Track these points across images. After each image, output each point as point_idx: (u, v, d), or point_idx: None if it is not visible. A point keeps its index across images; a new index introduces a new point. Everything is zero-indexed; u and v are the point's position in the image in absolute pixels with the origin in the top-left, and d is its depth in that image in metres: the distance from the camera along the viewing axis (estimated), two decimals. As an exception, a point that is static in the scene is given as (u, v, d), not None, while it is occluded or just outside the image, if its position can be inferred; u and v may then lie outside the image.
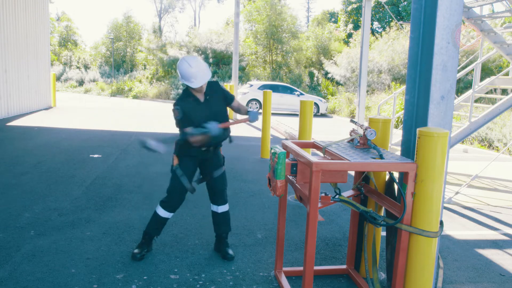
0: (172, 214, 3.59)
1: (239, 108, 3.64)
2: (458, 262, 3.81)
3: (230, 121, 3.49)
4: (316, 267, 3.38)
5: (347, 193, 3.14)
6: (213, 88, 3.53)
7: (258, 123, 10.12)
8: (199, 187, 3.67)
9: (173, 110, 3.38)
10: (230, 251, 3.63)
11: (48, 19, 15.99)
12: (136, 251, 3.53)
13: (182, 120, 3.36)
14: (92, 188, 5.50)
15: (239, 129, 12.34)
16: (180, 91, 24.69)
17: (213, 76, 27.36)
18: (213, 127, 3.31)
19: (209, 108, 3.46)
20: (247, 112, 3.59)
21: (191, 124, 3.34)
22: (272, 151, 2.91)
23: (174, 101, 3.56)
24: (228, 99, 3.59)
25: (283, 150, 2.83)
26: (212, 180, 3.57)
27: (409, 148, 2.89)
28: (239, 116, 12.64)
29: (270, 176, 2.98)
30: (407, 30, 20.66)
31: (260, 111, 18.73)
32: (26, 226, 4.12)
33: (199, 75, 3.32)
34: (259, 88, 19.17)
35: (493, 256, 3.99)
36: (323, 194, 2.79)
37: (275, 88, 19.26)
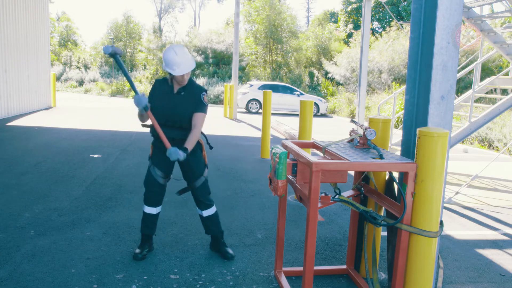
0: (154, 208, 3.54)
1: (194, 124, 3.35)
2: (458, 262, 3.81)
3: (157, 125, 3.33)
4: (316, 267, 3.38)
5: (347, 193, 3.15)
6: (195, 91, 3.43)
7: (258, 123, 10.13)
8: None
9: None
10: (230, 251, 3.63)
11: (48, 19, 15.99)
12: (137, 251, 3.53)
13: (149, 96, 3.44)
14: (92, 188, 5.50)
15: (239, 129, 12.34)
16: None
17: (213, 76, 27.37)
18: (141, 99, 3.21)
19: (174, 101, 3.40)
20: (184, 138, 3.36)
21: (152, 105, 3.36)
22: (273, 151, 2.91)
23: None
24: (196, 107, 3.38)
25: (284, 150, 2.83)
26: (193, 189, 3.56)
27: (409, 148, 2.89)
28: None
29: (271, 176, 2.98)
30: (407, 30, 20.67)
31: (260, 111, 18.73)
32: (26, 226, 4.12)
33: (183, 64, 3.29)
34: (259, 88, 19.17)
35: (493, 256, 3.99)
36: (323, 194, 2.79)
37: (275, 88, 19.26)
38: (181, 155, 3.17)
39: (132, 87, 3.35)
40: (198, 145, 3.52)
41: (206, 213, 3.62)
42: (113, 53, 3.22)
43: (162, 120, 3.36)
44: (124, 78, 29.26)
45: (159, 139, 3.38)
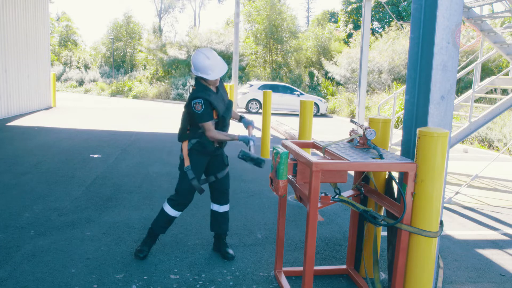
0: (180, 213, 3.55)
1: (234, 112, 3.73)
2: (458, 262, 3.81)
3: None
4: (316, 267, 3.39)
5: (347, 193, 3.15)
6: (222, 86, 3.58)
7: (258, 123, 10.12)
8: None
9: (195, 104, 3.23)
10: (230, 251, 3.63)
11: (48, 19, 15.99)
12: (139, 248, 3.52)
13: (203, 113, 3.25)
14: (92, 188, 5.50)
15: (239, 129, 12.34)
16: (180, 91, 24.68)
17: (213, 76, 27.30)
18: (249, 137, 3.40)
19: (222, 98, 3.46)
20: (240, 118, 3.72)
21: (215, 116, 3.34)
22: (275, 151, 2.91)
23: (180, 102, 3.57)
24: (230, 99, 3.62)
25: (286, 150, 2.83)
26: (217, 180, 3.56)
27: (409, 148, 2.89)
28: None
29: (272, 176, 2.98)
30: (407, 30, 20.67)
31: (260, 111, 18.73)
32: (26, 226, 4.12)
33: (217, 67, 3.30)
34: (259, 88, 19.17)
35: (493, 256, 3.99)
36: (323, 194, 2.79)
37: (275, 88, 19.26)
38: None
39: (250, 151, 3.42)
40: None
41: (224, 208, 3.63)
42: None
43: (227, 120, 3.49)
44: (124, 78, 29.28)
45: (200, 145, 3.41)
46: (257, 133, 11.24)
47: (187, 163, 3.41)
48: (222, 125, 3.44)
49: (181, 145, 3.48)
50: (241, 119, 3.70)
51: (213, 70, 3.28)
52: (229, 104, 3.53)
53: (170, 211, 3.49)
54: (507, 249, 4.19)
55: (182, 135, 3.46)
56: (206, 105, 3.25)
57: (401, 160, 2.67)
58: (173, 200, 3.49)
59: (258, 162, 3.25)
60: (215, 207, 3.64)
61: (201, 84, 3.38)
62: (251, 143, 3.37)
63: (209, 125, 3.30)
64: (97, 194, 5.25)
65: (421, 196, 2.53)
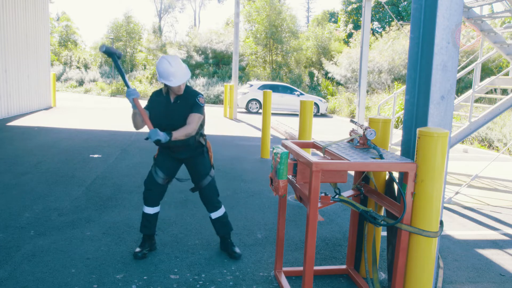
0: (152, 208, 3.56)
1: (188, 122, 3.36)
2: (458, 262, 3.81)
3: (143, 112, 3.35)
4: (316, 267, 3.39)
5: (347, 193, 3.14)
6: (189, 97, 3.44)
7: (258, 123, 10.13)
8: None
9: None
10: (237, 250, 3.66)
11: (48, 19, 15.99)
12: (137, 249, 3.55)
13: (146, 108, 3.47)
14: (92, 188, 5.50)
15: (239, 129, 12.34)
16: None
17: (213, 76, 27.38)
18: (132, 92, 3.31)
19: (171, 110, 3.42)
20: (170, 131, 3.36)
21: (151, 117, 3.41)
22: (275, 151, 2.91)
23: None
24: (192, 108, 3.40)
25: (286, 150, 2.83)
26: (200, 189, 3.58)
27: (409, 148, 2.89)
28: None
29: (272, 176, 2.98)
30: (407, 30, 20.67)
31: (260, 111, 18.73)
32: (26, 226, 4.12)
33: (178, 74, 3.30)
34: (259, 88, 19.17)
35: (493, 256, 3.99)
36: (323, 194, 2.79)
37: (275, 88, 19.26)
38: (162, 136, 3.16)
39: (125, 81, 3.38)
40: (204, 146, 3.58)
41: (215, 215, 3.64)
42: (107, 51, 3.29)
43: (160, 128, 3.38)
44: (131, 77, 29.26)
45: (166, 147, 3.47)
46: (257, 133, 11.24)
47: (156, 153, 3.62)
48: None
49: None
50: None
51: (175, 76, 3.29)
52: (181, 116, 3.38)
53: (144, 208, 3.60)
54: (507, 249, 4.19)
55: None
56: (149, 100, 3.53)
57: (401, 160, 2.67)
58: (143, 196, 3.60)
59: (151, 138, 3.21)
60: (208, 213, 3.70)
61: (161, 88, 3.53)
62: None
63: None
64: (97, 194, 5.25)
65: (421, 196, 2.53)
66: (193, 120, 3.37)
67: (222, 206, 3.69)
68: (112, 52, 3.33)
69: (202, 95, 3.53)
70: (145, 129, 3.47)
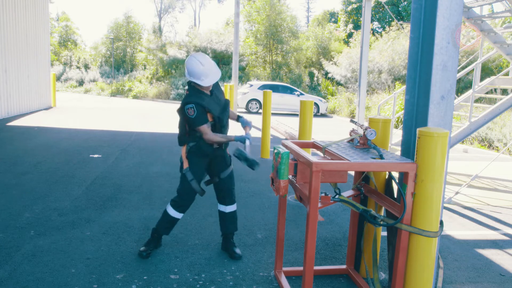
0: (182, 214, 3.58)
1: (231, 117, 3.72)
2: (458, 262, 3.81)
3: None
4: (316, 267, 3.38)
5: (347, 193, 3.14)
6: (218, 87, 3.60)
7: (258, 123, 10.12)
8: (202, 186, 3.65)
9: (187, 109, 3.26)
10: (238, 250, 3.65)
11: (48, 19, 15.99)
12: (142, 248, 3.56)
13: (197, 118, 3.29)
14: (92, 188, 5.50)
15: (239, 129, 12.33)
16: (180, 91, 24.67)
17: (213, 76, 27.30)
18: (243, 136, 3.42)
19: (218, 100, 3.48)
20: (237, 118, 3.72)
21: (210, 119, 3.36)
22: (276, 151, 2.90)
23: (180, 102, 3.57)
24: (228, 104, 3.62)
25: (287, 150, 2.82)
26: (220, 180, 3.57)
27: (409, 148, 2.89)
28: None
29: (273, 176, 2.98)
30: (407, 30, 20.66)
31: (260, 111, 18.73)
32: (26, 226, 4.12)
33: (211, 73, 3.31)
34: (259, 88, 19.17)
35: (493, 256, 3.99)
36: (323, 194, 2.79)
37: (275, 88, 19.25)
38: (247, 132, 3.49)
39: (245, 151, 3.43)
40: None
41: (230, 208, 3.64)
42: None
43: (225, 121, 3.49)
44: (124, 78, 29.27)
45: (198, 146, 3.43)
46: (257, 133, 11.23)
47: (186, 165, 3.46)
48: (220, 126, 3.45)
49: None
50: (238, 118, 3.71)
51: (207, 76, 3.30)
52: (225, 104, 3.53)
53: (172, 212, 3.53)
54: (507, 249, 4.19)
55: (181, 139, 3.50)
56: (198, 109, 3.28)
57: (401, 160, 2.67)
58: (175, 201, 3.53)
59: (251, 164, 3.27)
60: (221, 207, 3.67)
61: (194, 88, 3.42)
62: (247, 142, 3.37)
63: (205, 129, 3.33)
64: (97, 194, 5.25)
65: (421, 196, 2.53)
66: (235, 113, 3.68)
67: (236, 203, 3.71)
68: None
69: None
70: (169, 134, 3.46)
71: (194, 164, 3.46)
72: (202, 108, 3.30)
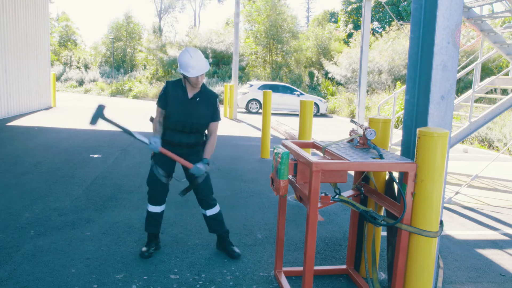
0: (158, 207, 3.57)
1: (210, 132, 3.53)
2: (458, 262, 3.81)
3: (174, 155, 3.41)
4: (316, 267, 3.38)
5: (347, 193, 3.14)
6: (210, 97, 3.51)
7: (258, 123, 10.13)
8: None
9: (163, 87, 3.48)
10: (236, 249, 3.65)
11: (48, 19, 15.99)
12: (144, 249, 3.56)
13: (159, 97, 3.47)
14: (92, 188, 5.50)
15: (239, 129, 12.34)
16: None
17: (213, 76, 27.37)
18: (154, 144, 3.35)
19: (190, 107, 3.42)
20: (202, 149, 3.53)
21: (168, 111, 3.41)
22: (275, 151, 2.90)
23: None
24: (213, 116, 3.50)
25: (286, 150, 2.82)
26: (196, 186, 3.56)
27: (409, 148, 2.89)
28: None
29: (273, 176, 2.98)
30: (407, 30, 20.66)
31: (260, 111, 18.73)
32: (26, 226, 4.12)
33: (198, 66, 3.33)
34: (259, 88, 19.17)
35: (493, 256, 3.99)
36: (323, 194, 2.79)
37: (275, 88, 19.25)
38: (204, 168, 3.35)
39: (138, 139, 3.40)
40: (201, 143, 3.57)
41: (210, 212, 3.63)
42: (101, 118, 3.39)
43: (179, 126, 3.42)
44: (124, 78, 29.25)
45: (169, 143, 3.46)
46: (257, 133, 11.24)
47: (152, 152, 3.58)
48: (175, 127, 3.41)
49: None
50: (200, 161, 3.45)
51: (194, 68, 3.33)
52: (200, 115, 3.42)
53: (148, 207, 3.60)
54: (507, 249, 4.19)
55: None
56: (163, 91, 3.45)
57: (401, 160, 2.67)
58: (148, 195, 3.60)
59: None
60: (202, 211, 3.69)
61: (179, 80, 3.51)
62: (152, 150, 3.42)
63: (156, 109, 3.49)
64: (97, 194, 5.25)
65: (421, 196, 2.53)
66: (215, 129, 3.56)
67: (217, 205, 3.68)
68: (101, 117, 3.40)
69: (218, 96, 3.61)
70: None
71: (156, 153, 3.55)
72: (165, 94, 3.44)
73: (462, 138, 6.92)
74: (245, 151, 8.61)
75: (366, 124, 10.36)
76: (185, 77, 3.40)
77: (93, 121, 3.39)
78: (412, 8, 2.88)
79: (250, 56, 29.98)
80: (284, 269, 3.37)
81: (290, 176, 3.10)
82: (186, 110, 3.42)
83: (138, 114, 15.31)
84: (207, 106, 3.48)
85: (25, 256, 3.47)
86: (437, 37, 2.66)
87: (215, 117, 3.53)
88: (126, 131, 3.39)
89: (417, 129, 2.53)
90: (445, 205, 5.55)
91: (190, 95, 3.46)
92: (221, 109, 18.59)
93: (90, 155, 7.50)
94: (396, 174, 2.95)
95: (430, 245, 2.56)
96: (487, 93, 9.04)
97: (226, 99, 15.66)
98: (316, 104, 19.25)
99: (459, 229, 4.71)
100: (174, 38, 43.50)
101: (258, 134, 10.70)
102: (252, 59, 30.08)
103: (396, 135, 9.37)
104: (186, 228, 4.24)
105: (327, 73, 26.11)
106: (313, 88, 25.84)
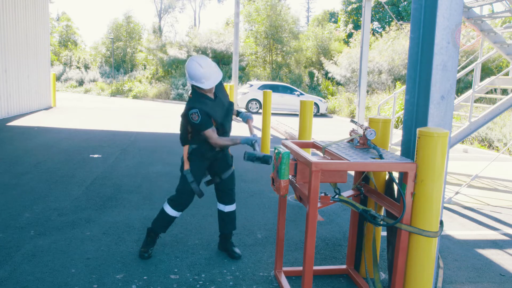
0: (180, 213, 3.57)
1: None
2: (458, 262, 3.81)
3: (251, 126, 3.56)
4: (316, 267, 3.39)
5: (347, 193, 3.14)
6: (223, 90, 3.54)
7: (258, 123, 10.13)
8: (202, 188, 3.65)
9: (191, 114, 3.23)
10: (237, 250, 3.65)
11: (48, 19, 15.99)
12: (143, 249, 3.55)
13: (201, 123, 3.25)
14: (92, 188, 5.50)
15: (239, 129, 12.33)
16: (180, 91, 24.68)
17: (213, 76, 27.32)
18: (254, 137, 3.38)
19: (221, 104, 3.44)
20: (237, 113, 3.67)
21: (214, 125, 3.33)
22: (276, 151, 2.90)
23: (180, 102, 3.55)
24: (232, 105, 3.59)
25: (287, 150, 2.82)
26: (224, 179, 3.57)
27: (409, 148, 2.89)
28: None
29: (273, 176, 2.98)
30: (407, 30, 20.66)
31: (260, 111, 18.73)
32: (26, 226, 4.12)
33: (212, 76, 3.27)
34: (259, 88, 19.17)
35: (493, 256, 3.99)
36: (322, 194, 2.79)
37: (275, 88, 19.25)
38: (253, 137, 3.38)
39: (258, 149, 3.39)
40: None
41: (229, 208, 3.62)
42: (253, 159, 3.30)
43: (227, 126, 3.46)
44: (124, 78, 29.26)
45: (200, 150, 3.42)
46: (257, 133, 11.23)
47: (186, 166, 3.44)
48: (222, 132, 3.43)
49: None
50: (238, 114, 3.67)
51: (208, 78, 3.26)
52: (228, 107, 3.50)
53: (170, 211, 3.51)
54: (507, 249, 4.19)
55: (184, 140, 3.48)
56: (202, 115, 3.24)
57: (401, 160, 2.67)
58: (173, 200, 3.51)
59: (265, 160, 3.23)
60: (221, 206, 3.65)
61: (197, 92, 3.37)
62: (255, 143, 3.36)
63: (210, 133, 3.30)
64: (97, 194, 5.25)
65: (421, 196, 2.53)
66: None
67: (235, 203, 3.70)
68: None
69: None
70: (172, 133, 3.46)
71: (195, 166, 3.44)
72: (206, 113, 3.26)
73: (462, 138, 6.92)
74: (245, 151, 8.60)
75: (366, 124, 10.36)
76: (198, 87, 3.34)
77: (249, 158, 3.29)
78: (412, 8, 2.88)
79: (250, 56, 29.97)
80: (284, 269, 3.37)
81: (290, 176, 3.10)
82: (222, 112, 3.43)
83: (138, 114, 15.31)
84: (224, 94, 3.51)
85: (25, 256, 3.47)
86: (437, 37, 2.66)
87: (232, 106, 3.57)
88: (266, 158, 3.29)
89: (417, 129, 2.53)
90: (445, 205, 5.55)
91: (212, 96, 3.41)
92: (221, 109, 18.64)
93: (90, 155, 7.50)
94: (396, 174, 2.95)
95: (430, 245, 2.56)
96: (487, 93, 9.04)
97: (226, 99, 15.64)
98: (316, 104, 19.25)
99: (459, 229, 4.71)
100: (174, 38, 43.51)
101: (258, 134, 10.70)
102: (252, 59, 30.08)
103: (396, 135, 9.37)
104: (186, 228, 4.24)
105: (327, 73, 26.11)
106: (313, 88, 25.84)
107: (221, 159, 3.57)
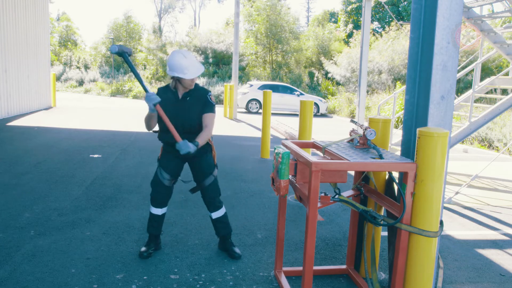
0: (160, 209, 3.57)
1: (205, 125, 3.36)
2: (458, 262, 3.81)
3: (167, 119, 3.26)
4: (316, 267, 3.39)
5: (347, 193, 3.14)
6: (201, 95, 3.42)
7: (258, 123, 10.15)
8: (187, 195, 3.65)
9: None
10: (237, 250, 3.66)
11: (48, 19, 15.99)
12: (143, 249, 3.56)
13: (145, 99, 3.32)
14: (92, 188, 5.50)
15: (239, 129, 12.34)
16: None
17: (213, 76, 27.38)
18: (152, 97, 3.16)
19: (180, 107, 3.37)
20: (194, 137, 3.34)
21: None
22: (276, 151, 2.90)
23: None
24: (205, 108, 3.38)
25: (287, 150, 2.82)
26: (203, 188, 3.57)
27: (409, 148, 2.89)
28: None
29: (273, 176, 2.98)
30: (407, 30, 20.66)
31: (260, 111, 18.73)
32: (26, 226, 4.12)
33: (193, 67, 3.28)
34: (259, 88, 19.17)
35: (493, 256, 3.99)
36: (322, 194, 2.79)
37: (275, 88, 19.26)
38: (192, 147, 3.12)
39: (142, 85, 3.28)
40: (208, 146, 3.54)
41: (215, 215, 3.63)
42: (120, 51, 3.17)
43: (178, 124, 3.36)
44: (124, 78, 29.25)
45: (169, 144, 3.41)
46: (257, 133, 11.23)
47: (159, 154, 3.60)
48: (166, 128, 3.33)
49: None
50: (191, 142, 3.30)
51: (189, 69, 3.27)
52: (191, 113, 3.36)
53: (150, 209, 3.59)
54: (507, 249, 4.19)
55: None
56: (153, 97, 3.17)
57: (401, 160, 2.67)
58: (150, 196, 3.59)
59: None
60: (209, 213, 3.68)
61: (167, 84, 3.48)
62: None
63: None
64: (97, 194, 5.25)
65: (421, 196, 2.53)
66: (210, 121, 3.38)
67: (223, 207, 3.68)
68: (124, 52, 3.20)
69: (210, 92, 3.50)
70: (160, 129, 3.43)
71: (163, 155, 3.57)
72: (158, 99, 3.24)
73: (462, 138, 6.92)
74: (245, 151, 8.61)
75: (366, 124, 10.36)
76: (177, 79, 3.33)
77: (114, 49, 3.13)
78: (412, 8, 2.88)
79: (250, 56, 29.98)
80: (284, 269, 3.37)
81: (290, 176, 3.10)
82: (177, 110, 3.36)
83: (138, 114, 15.32)
84: (197, 102, 3.39)
85: (25, 256, 3.47)
86: (437, 37, 2.66)
87: (206, 108, 3.38)
88: (135, 74, 3.23)
89: (417, 129, 2.53)
90: (445, 205, 5.55)
91: (180, 95, 3.42)
92: (221, 109, 18.67)
93: (90, 155, 7.50)
94: (396, 174, 2.95)
95: (430, 245, 2.56)
96: (487, 93, 9.04)
97: (226, 99, 15.67)
98: (316, 104, 19.25)
99: (459, 229, 4.71)
100: (174, 38, 43.55)
101: (258, 134, 10.70)
102: (252, 59, 30.08)
103: (396, 135, 9.37)
104: (186, 228, 4.24)
105: (327, 73, 26.12)
106: (313, 88, 25.84)
107: (195, 163, 3.50)
